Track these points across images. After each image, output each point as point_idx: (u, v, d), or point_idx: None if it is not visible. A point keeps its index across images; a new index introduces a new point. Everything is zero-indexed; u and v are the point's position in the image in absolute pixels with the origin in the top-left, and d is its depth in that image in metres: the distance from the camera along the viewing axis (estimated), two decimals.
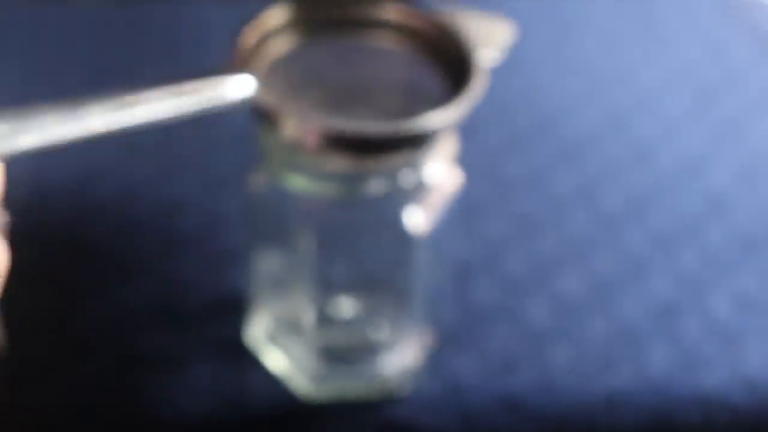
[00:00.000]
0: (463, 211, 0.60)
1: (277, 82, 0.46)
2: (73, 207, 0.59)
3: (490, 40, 0.47)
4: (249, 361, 0.52)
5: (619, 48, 0.74)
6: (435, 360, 0.52)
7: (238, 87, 0.43)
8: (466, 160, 0.63)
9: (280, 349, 0.51)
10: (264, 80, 0.45)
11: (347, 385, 0.50)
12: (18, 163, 0.62)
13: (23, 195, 0.59)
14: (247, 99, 0.43)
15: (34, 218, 0.58)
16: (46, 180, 0.60)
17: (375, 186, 0.46)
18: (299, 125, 0.43)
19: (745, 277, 0.57)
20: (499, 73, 0.71)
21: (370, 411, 0.50)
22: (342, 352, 0.51)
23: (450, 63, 0.47)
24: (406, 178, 0.46)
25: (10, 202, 0.57)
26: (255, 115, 0.45)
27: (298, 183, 0.46)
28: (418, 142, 0.44)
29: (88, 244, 0.57)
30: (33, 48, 0.72)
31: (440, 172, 0.48)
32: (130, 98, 0.40)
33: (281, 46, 0.48)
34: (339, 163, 0.45)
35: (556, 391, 0.51)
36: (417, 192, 0.47)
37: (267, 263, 0.51)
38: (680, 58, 0.73)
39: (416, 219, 0.48)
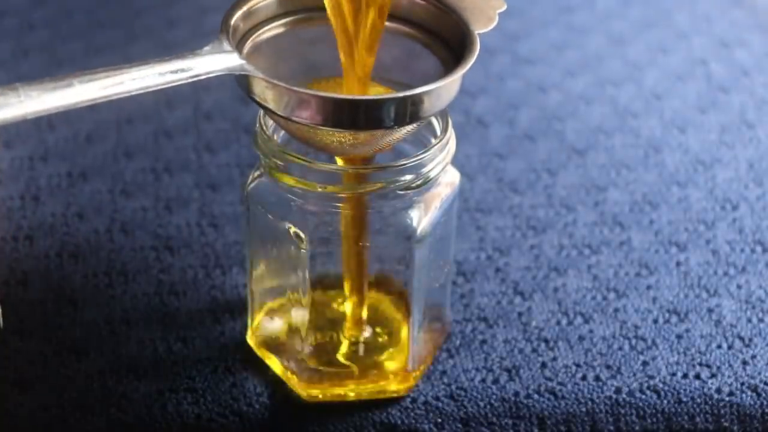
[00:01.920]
0: (465, 210, 0.60)
1: (265, 61, 0.46)
2: (66, 206, 0.59)
3: (482, 15, 0.46)
4: (247, 362, 0.51)
5: (625, 45, 0.74)
6: (436, 362, 0.52)
7: (224, 63, 0.42)
8: (469, 159, 0.63)
9: (278, 350, 0.51)
10: (251, 58, 0.45)
11: (346, 387, 0.50)
12: (11, 162, 0.62)
13: (16, 194, 0.59)
14: (233, 73, 0.42)
15: (27, 217, 0.58)
16: (40, 178, 0.60)
17: (374, 185, 0.46)
18: (286, 95, 0.42)
19: (753, 279, 0.57)
20: (503, 71, 0.71)
21: (370, 413, 0.50)
22: (341, 353, 0.51)
23: (444, 40, 0.46)
24: (406, 177, 0.46)
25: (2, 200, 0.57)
26: (241, 89, 0.44)
27: (296, 183, 0.46)
28: (408, 113, 0.43)
29: (83, 243, 0.57)
30: (30, 24, 0.72)
31: (441, 171, 0.47)
32: (116, 73, 0.40)
33: (270, 26, 0.47)
34: (331, 139, 0.44)
35: (560, 395, 0.51)
36: (417, 192, 0.47)
37: (265, 264, 0.50)
38: (687, 55, 0.73)
39: (416, 219, 0.47)
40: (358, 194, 0.46)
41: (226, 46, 0.43)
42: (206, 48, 0.43)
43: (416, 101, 0.43)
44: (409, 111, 0.43)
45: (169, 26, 0.73)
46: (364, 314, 0.51)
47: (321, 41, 0.48)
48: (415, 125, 0.45)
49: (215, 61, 0.42)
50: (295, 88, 0.43)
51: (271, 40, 0.47)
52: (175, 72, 0.41)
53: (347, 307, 0.51)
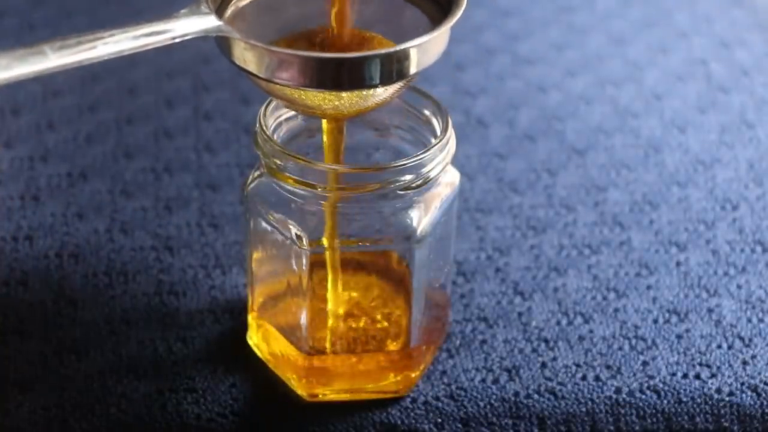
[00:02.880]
0: (465, 210, 0.60)
1: (248, 26, 0.45)
2: (66, 206, 0.59)
3: None
4: (247, 362, 0.51)
5: (625, 45, 0.74)
6: (436, 362, 0.52)
7: (201, 25, 0.41)
8: (469, 159, 0.63)
9: (278, 350, 0.51)
10: (233, 23, 0.44)
11: (346, 386, 0.50)
12: (11, 162, 0.62)
13: (16, 194, 0.59)
14: (210, 35, 0.41)
15: (27, 217, 0.58)
16: (40, 178, 0.60)
17: (373, 185, 0.46)
18: (266, 56, 0.41)
19: (753, 279, 0.57)
20: (503, 71, 0.71)
21: (370, 413, 0.50)
22: (341, 353, 0.51)
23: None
24: (406, 177, 0.46)
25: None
26: (222, 53, 0.43)
27: (296, 183, 0.46)
28: (394, 71, 0.42)
29: (83, 243, 0.57)
30: (30, 24, 0.72)
31: (441, 171, 0.47)
32: (89, 38, 0.39)
33: None
34: (316, 101, 0.43)
35: (560, 395, 0.51)
36: (417, 192, 0.47)
37: (265, 264, 0.50)
38: (687, 55, 0.73)
39: (416, 219, 0.47)
40: (355, 194, 0.46)
41: (204, 8, 0.42)
42: (183, 11, 0.42)
43: (401, 58, 0.41)
44: (395, 68, 0.42)
45: None
46: (341, 311, 0.51)
47: (306, 5, 0.47)
48: (402, 84, 0.44)
49: (192, 23, 0.41)
50: (275, 48, 0.42)
51: (253, 5, 0.46)
52: (150, 35, 0.40)
53: (329, 297, 0.51)
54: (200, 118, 0.65)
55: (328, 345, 0.51)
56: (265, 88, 0.45)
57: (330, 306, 0.51)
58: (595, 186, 0.62)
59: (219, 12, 0.44)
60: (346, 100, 0.44)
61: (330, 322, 0.51)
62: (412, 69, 0.42)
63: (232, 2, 0.45)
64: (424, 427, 0.50)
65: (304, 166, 0.46)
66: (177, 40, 0.41)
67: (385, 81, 0.42)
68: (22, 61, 0.38)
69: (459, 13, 0.43)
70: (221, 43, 0.43)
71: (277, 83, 0.42)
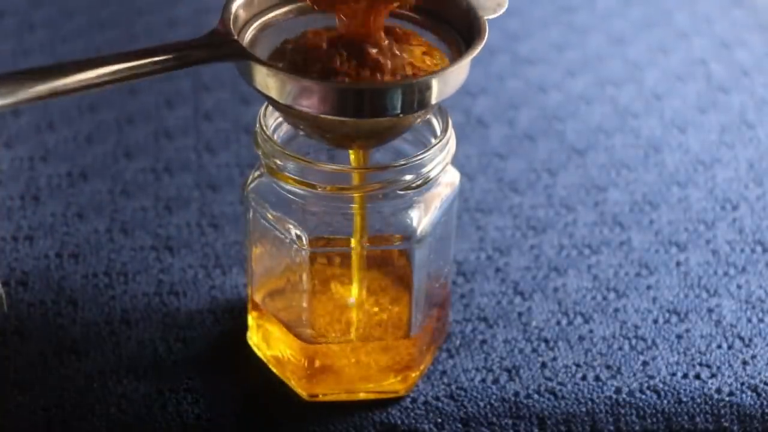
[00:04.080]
0: (465, 210, 0.60)
1: (267, 50, 0.45)
2: (66, 206, 0.59)
3: (491, 0, 0.45)
4: (247, 362, 0.51)
5: (625, 45, 0.74)
6: (436, 362, 0.52)
7: (223, 50, 0.41)
8: (469, 159, 0.63)
9: (278, 350, 0.51)
10: (252, 47, 0.44)
11: (346, 386, 0.50)
12: (11, 162, 0.62)
13: (16, 194, 0.59)
14: (232, 60, 0.42)
15: (27, 217, 0.58)
16: (40, 178, 0.60)
17: (374, 185, 0.46)
18: (288, 83, 0.41)
19: (753, 279, 0.57)
20: (503, 71, 0.71)
21: (370, 413, 0.50)
22: (341, 352, 0.51)
23: (451, 25, 0.45)
24: (406, 177, 0.46)
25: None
26: (242, 77, 0.43)
27: (296, 183, 0.46)
28: (415, 101, 0.42)
29: (83, 243, 0.57)
30: (30, 24, 0.73)
31: (441, 171, 0.47)
32: (113, 61, 0.40)
33: (272, 14, 0.46)
34: (335, 128, 0.43)
35: (560, 395, 0.51)
36: (417, 192, 0.47)
37: (265, 263, 0.50)
38: (687, 55, 0.73)
39: (416, 219, 0.47)
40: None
41: (225, 32, 0.42)
42: (203, 35, 0.42)
43: (423, 88, 0.42)
44: (416, 98, 0.42)
45: (169, 26, 0.73)
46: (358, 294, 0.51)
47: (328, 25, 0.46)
48: (422, 113, 0.44)
49: (215, 49, 0.41)
50: (297, 76, 0.42)
51: (273, 29, 0.46)
52: (172, 60, 0.40)
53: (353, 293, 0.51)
54: (200, 118, 0.65)
55: (330, 336, 0.51)
56: (285, 114, 0.45)
57: (354, 300, 0.51)
58: (595, 186, 0.62)
59: (239, 35, 0.44)
60: (368, 127, 0.44)
61: (354, 314, 0.51)
62: (433, 99, 0.42)
63: (252, 26, 0.45)
64: (424, 427, 0.50)
65: (304, 166, 0.46)
66: (201, 65, 0.41)
67: (407, 110, 0.42)
68: (46, 83, 0.38)
69: (481, 45, 0.43)
70: (242, 68, 0.43)
71: (298, 110, 0.42)
